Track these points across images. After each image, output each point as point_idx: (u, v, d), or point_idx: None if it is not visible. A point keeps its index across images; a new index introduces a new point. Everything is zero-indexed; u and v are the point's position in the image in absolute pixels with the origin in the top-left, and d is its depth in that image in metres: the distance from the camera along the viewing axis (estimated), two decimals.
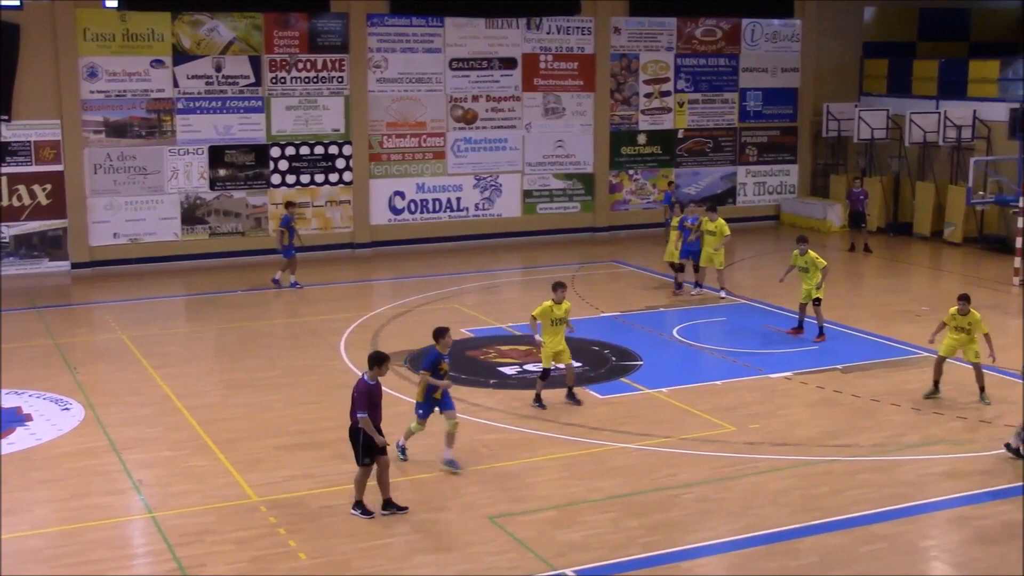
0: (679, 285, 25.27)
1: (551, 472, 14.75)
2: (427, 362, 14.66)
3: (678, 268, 25.26)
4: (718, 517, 13.49)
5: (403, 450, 15.14)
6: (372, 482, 13.45)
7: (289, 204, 27.29)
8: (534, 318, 17.21)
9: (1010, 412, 17.05)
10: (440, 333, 14.65)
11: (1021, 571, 12.07)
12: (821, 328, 21.09)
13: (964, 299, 17.61)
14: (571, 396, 17.54)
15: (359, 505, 13.46)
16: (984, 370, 17.68)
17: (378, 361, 13.44)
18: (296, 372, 19.62)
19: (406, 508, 13.52)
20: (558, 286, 17.31)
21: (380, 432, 13.27)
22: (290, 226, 25.92)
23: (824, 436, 16.14)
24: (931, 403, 17.49)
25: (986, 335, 17.49)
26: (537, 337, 17.27)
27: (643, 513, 13.51)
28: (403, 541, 12.83)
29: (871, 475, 14.74)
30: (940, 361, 17.91)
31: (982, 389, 17.72)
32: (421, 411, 14.87)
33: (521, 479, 14.56)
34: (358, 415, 13.16)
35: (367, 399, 13.21)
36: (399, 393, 17.49)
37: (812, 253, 21.12)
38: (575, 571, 12.03)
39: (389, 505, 13.47)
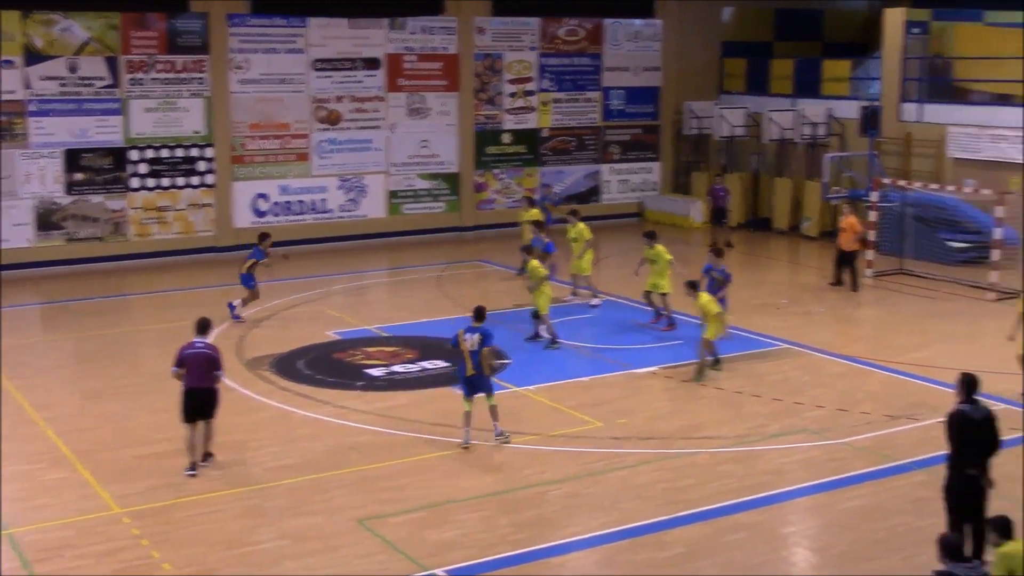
0: None
1: (420, 473, 14.73)
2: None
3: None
4: (587, 512, 13.64)
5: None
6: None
7: (263, 236, 23.68)
8: None
9: (866, 400, 17.63)
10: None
11: (873, 553, 12.47)
12: (671, 318, 21.95)
13: (688, 285, 19.21)
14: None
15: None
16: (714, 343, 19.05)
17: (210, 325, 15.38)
18: (158, 379, 19.09)
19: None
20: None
21: None
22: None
23: (689, 429, 16.45)
24: (792, 394, 17.93)
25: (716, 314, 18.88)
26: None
27: (513, 510, 13.58)
28: (271, 547, 12.66)
29: (734, 466, 15.07)
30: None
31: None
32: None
33: (390, 481, 14.51)
34: (220, 372, 14.90)
35: None
36: (264, 398, 17.30)
37: (659, 247, 21.87)
38: (446, 571, 12.03)
39: (208, 457, 14.98)
